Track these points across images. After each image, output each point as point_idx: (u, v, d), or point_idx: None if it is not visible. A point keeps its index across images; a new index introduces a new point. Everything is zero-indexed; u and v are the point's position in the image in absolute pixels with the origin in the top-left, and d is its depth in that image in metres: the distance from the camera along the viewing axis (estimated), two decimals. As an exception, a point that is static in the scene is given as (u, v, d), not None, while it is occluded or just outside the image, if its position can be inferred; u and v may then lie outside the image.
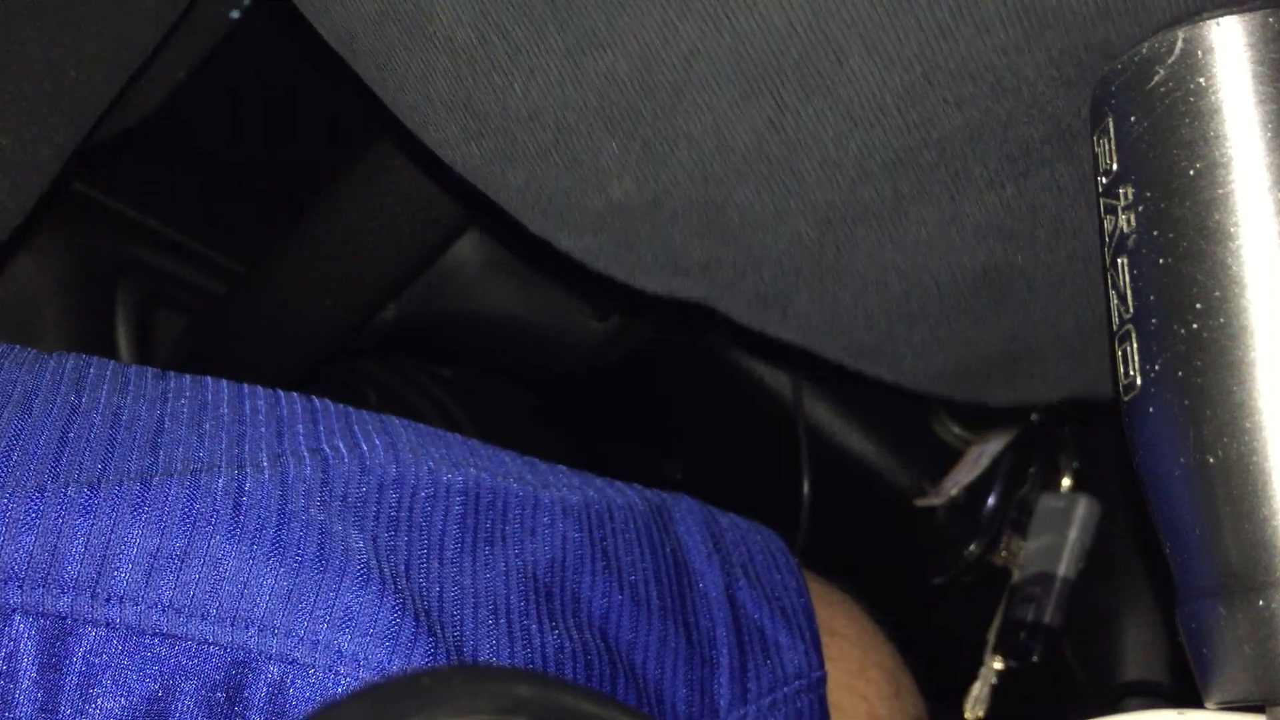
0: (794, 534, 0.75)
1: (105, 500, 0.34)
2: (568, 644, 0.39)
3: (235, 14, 0.64)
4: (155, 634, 0.34)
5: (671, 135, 0.40)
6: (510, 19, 0.37)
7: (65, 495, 0.34)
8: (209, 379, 0.41)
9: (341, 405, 0.42)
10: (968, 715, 0.69)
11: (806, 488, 0.75)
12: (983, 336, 0.46)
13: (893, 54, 0.37)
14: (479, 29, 0.38)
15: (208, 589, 0.34)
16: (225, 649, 0.34)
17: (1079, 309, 0.45)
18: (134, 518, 0.35)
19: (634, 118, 0.40)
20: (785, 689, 0.44)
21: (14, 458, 0.35)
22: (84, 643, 0.33)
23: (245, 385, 0.42)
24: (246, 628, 0.35)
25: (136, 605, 0.34)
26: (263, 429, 0.39)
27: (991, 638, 0.69)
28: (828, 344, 0.47)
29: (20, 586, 0.33)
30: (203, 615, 0.34)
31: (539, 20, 0.37)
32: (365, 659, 0.35)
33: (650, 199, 0.42)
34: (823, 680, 0.45)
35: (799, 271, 0.43)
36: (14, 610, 0.33)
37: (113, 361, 0.40)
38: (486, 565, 0.39)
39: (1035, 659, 0.67)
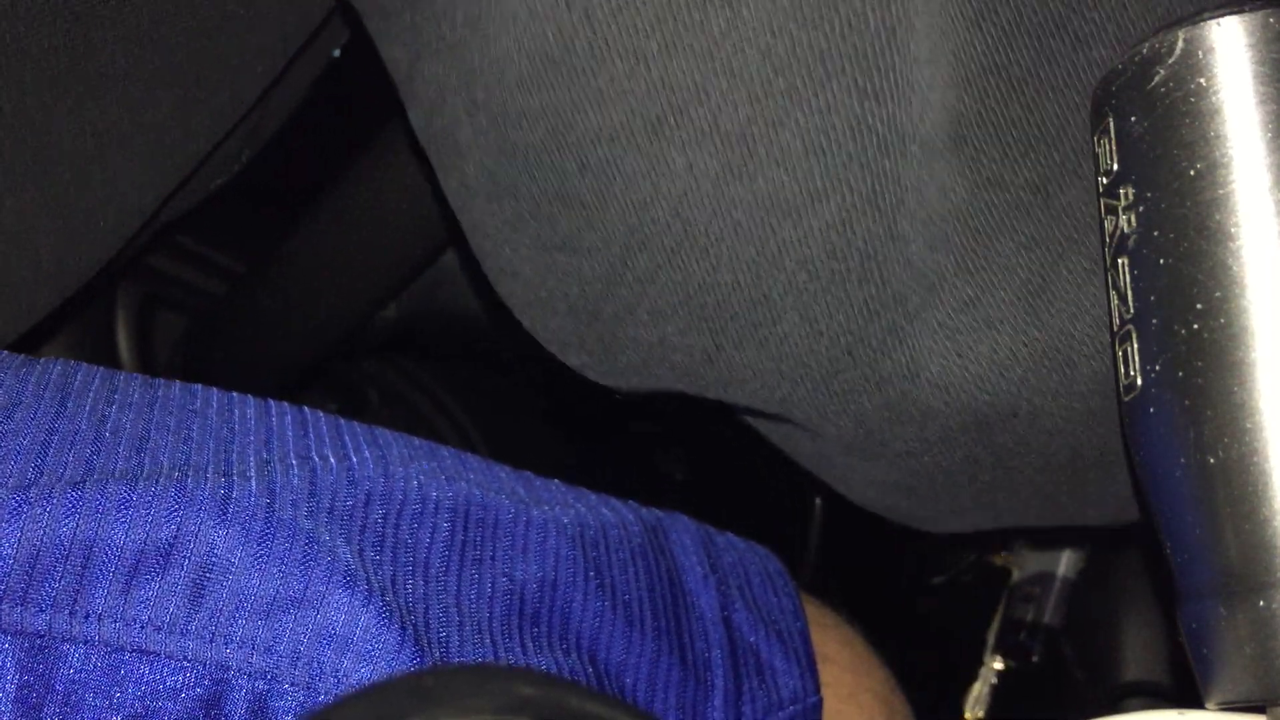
0: (800, 537, 0.75)
1: (89, 503, 0.34)
2: (553, 668, 0.39)
3: (336, 52, 0.61)
4: (135, 650, 0.33)
5: (621, 340, 0.41)
6: None
7: (49, 498, 0.34)
8: (199, 387, 0.41)
9: (332, 416, 0.42)
10: (967, 715, 0.69)
11: (818, 498, 0.75)
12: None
13: (821, 325, 0.38)
14: None
15: (187, 604, 0.34)
16: (205, 665, 0.34)
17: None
18: (117, 520, 0.34)
19: (593, 315, 0.41)
20: (780, 714, 0.43)
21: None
22: (64, 662, 0.33)
23: (235, 394, 0.41)
24: (226, 644, 0.34)
25: (115, 622, 0.33)
26: (251, 437, 0.38)
27: (991, 638, 0.69)
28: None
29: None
30: (182, 632, 0.34)
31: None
32: (347, 674, 0.35)
33: (602, 374, 0.44)
34: (818, 706, 0.45)
35: None
36: None
37: (101, 368, 0.40)
38: (472, 585, 0.39)
39: (1035, 659, 0.67)
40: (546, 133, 0.37)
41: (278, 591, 0.35)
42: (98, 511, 0.34)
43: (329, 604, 0.35)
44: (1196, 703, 0.32)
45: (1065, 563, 0.68)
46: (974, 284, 0.38)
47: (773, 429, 0.45)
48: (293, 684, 0.34)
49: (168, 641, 0.34)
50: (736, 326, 0.39)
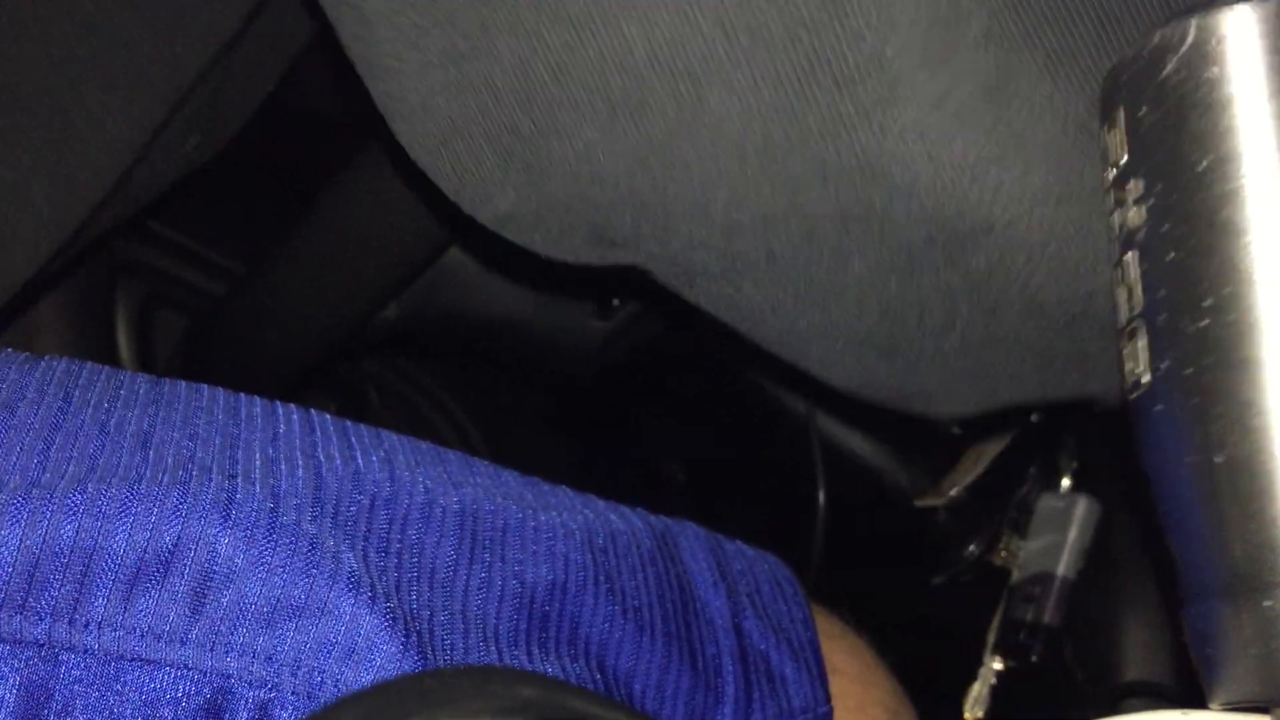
0: (804, 538, 0.75)
1: (90, 505, 0.34)
2: (561, 675, 0.38)
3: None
4: (135, 659, 0.33)
5: (545, 165, 0.39)
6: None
7: (50, 499, 0.34)
8: (205, 386, 0.41)
9: (339, 419, 0.42)
10: (967, 715, 0.68)
11: (822, 498, 0.75)
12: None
13: (750, 99, 0.36)
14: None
15: (188, 612, 0.34)
16: (206, 674, 0.34)
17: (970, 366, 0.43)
18: (118, 528, 0.34)
19: (513, 132, 0.39)
20: None
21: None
22: (63, 670, 0.33)
23: (242, 394, 0.41)
24: (228, 652, 0.34)
25: (115, 630, 0.33)
26: (257, 438, 0.38)
27: (991, 638, 0.69)
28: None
29: None
30: (183, 640, 0.34)
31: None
32: (350, 682, 0.35)
33: (533, 215, 0.42)
34: (829, 716, 0.44)
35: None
36: None
37: (106, 367, 0.40)
38: (479, 590, 0.38)
39: (1035, 659, 0.67)
40: None
41: (280, 598, 0.35)
42: (99, 515, 0.34)
43: (332, 610, 0.35)
44: (1197, 703, 0.32)
45: (1065, 563, 0.68)
46: (940, 80, 0.36)
47: (734, 306, 0.42)
48: (294, 692, 0.34)
49: (168, 650, 0.33)
50: (660, 109, 0.37)
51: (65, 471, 0.35)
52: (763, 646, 0.44)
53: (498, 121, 0.39)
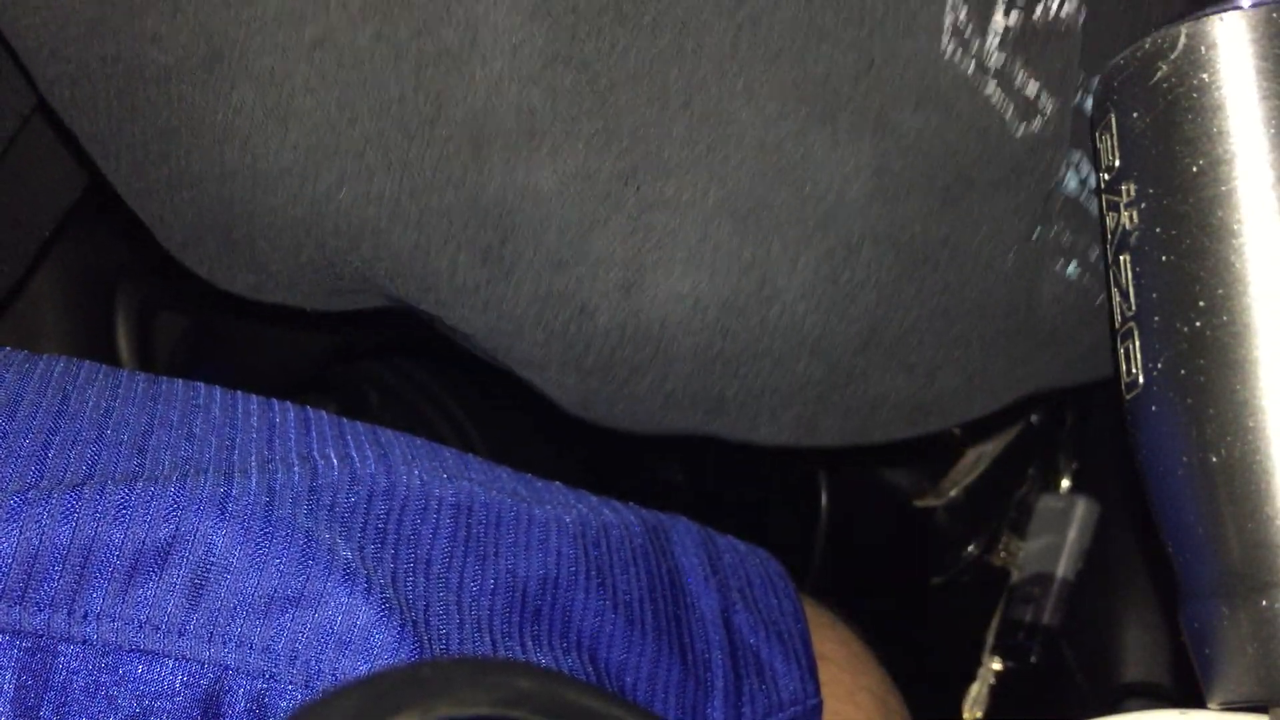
0: (805, 539, 0.75)
1: (88, 505, 0.34)
2: (554, 667, 0.38)
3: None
4: (133, 650, 0.33)
5: (257, 240, 0.40)
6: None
7: (48, 500, 0.34)
8: (201, 384, 0.41)
9: (334, 415, 0.42)
10: (966, 715, 0.69)
11: (824, 499, 0.75)
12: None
13: (364, 116, 0.35)
14: None
15: (185, 603, 0.34)
16: (203, 665, 0.34)
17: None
18: (116, 523, 0.34)
19: (231, 239, 0.40)
20: (780, 715, 0.43)
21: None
22: (61, 661, 0.33)
23: (238, 392, 0.41)
24: (224, 643, 0.34)
25: (113, 621, 0.33)
26: (253, 435, 0.38)
27: (990, 638, 0.69)
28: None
29: None
30: (180, 631, 0.34)
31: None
32: (346, 672, 0.35)
33: (279, 283, 0.43)
34: (818, 708, 0.45)
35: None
36: None
37: (104, 365, 0.40)
38: (474, 582, 0.39)
39: (1034, 660, 0.67)
40: (123, 74, 0.35)
41: (276, 590, 0.35)
42: (96, 513, 0.34)
43: (327, 602, 0.35)
44: (1196, 703, 0.32)
45: (1065, 563, 0.68)
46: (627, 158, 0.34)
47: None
48: (291, 682, 0.34)
49: (165, 641, 0.34)
50: (313, 148, 0.36)
51: (63, 475, 0.35)
52: (753, 640, 0.44)
53: (217, 232, 0.40)
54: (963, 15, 0.33)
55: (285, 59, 0.33)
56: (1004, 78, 0.34)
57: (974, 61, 0.34)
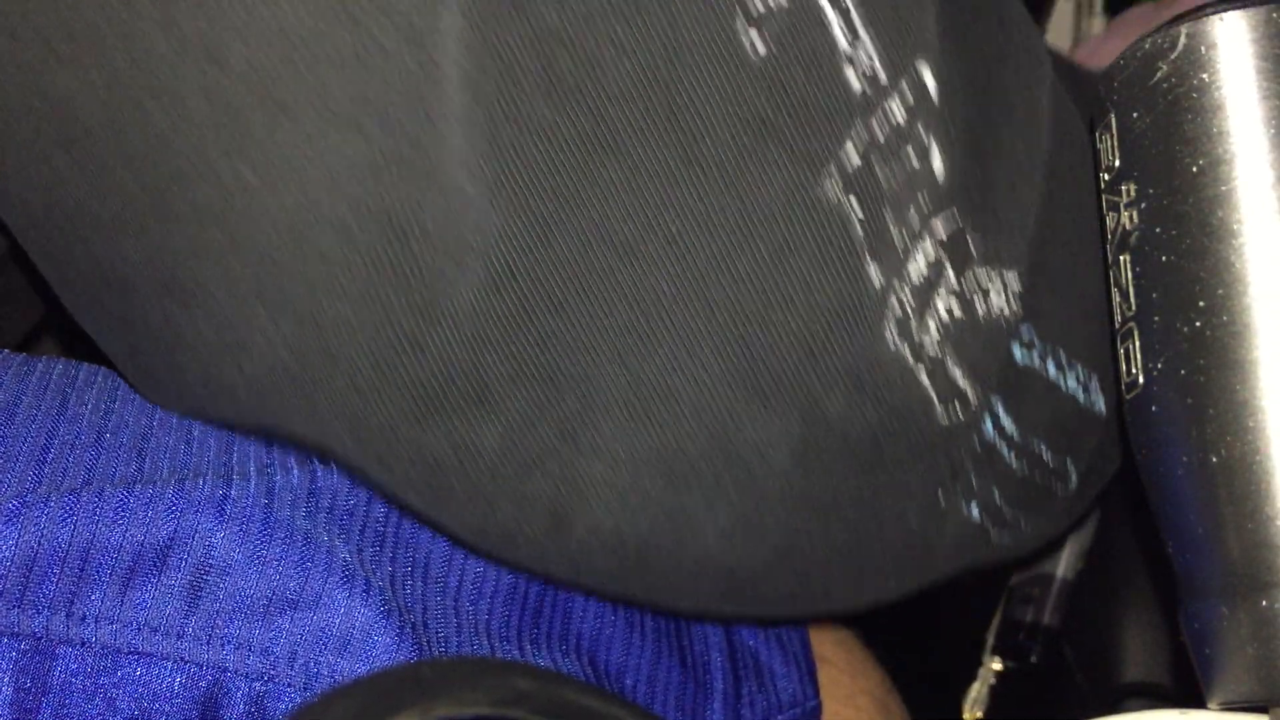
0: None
1: (86, 508, 0.34)
2: (553, 669, 0.39)
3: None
4: (132, 652, 0.33)
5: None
6: None
7: (47, 504, 0.34)
8: None
9: None
10: (967, 716, 0.68)
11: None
12: None
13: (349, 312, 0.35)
14: None
15: (184, 605, 0.34)
16: (202, 667, 0.34)
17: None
18: (114, 526, 0.34)
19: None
20: (779, 718, 0.43)
21: None
22: (60, 663, 0.33)
23: None
24: (223, 645, 0.34)
25: (112, 624, 0.33)
26: (252, 437, 0.38)
27: (990, 638, 0.69)
28: None
29: None
30: (179, 634, 0.34)
31: None
32: (345, 674, 0.35)
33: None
34: (817, 710, 0.45)
35: None
36: None
37: (103, 368, 0.40)
38: (472, 585, 0.39)
39: (1034, 660, 0.66)
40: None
41: (275, 591, 0.35)
42: (95, 516, 0.34)
43: (326, 603, 0.35)
44: (1197, 703, 0.32)
45: (1065, 563, 0.68)
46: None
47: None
48: (290, 684, 0.34)
49: (164, 643, 0.34)
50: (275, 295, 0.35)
51: (62, 478, 0.35)
52: (752, 643, 0.44)
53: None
54: (908, 306, 0.36)
55: (243, 305, 0.34)
56: (937, 366, 0.36)
57: (910, 351, 0.36)
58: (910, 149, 0.35)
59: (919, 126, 0.35)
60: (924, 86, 0.35)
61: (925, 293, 0.36)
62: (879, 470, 0.37)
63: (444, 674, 0.18)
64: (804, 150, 0.34)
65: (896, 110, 0.35)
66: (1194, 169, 0.31)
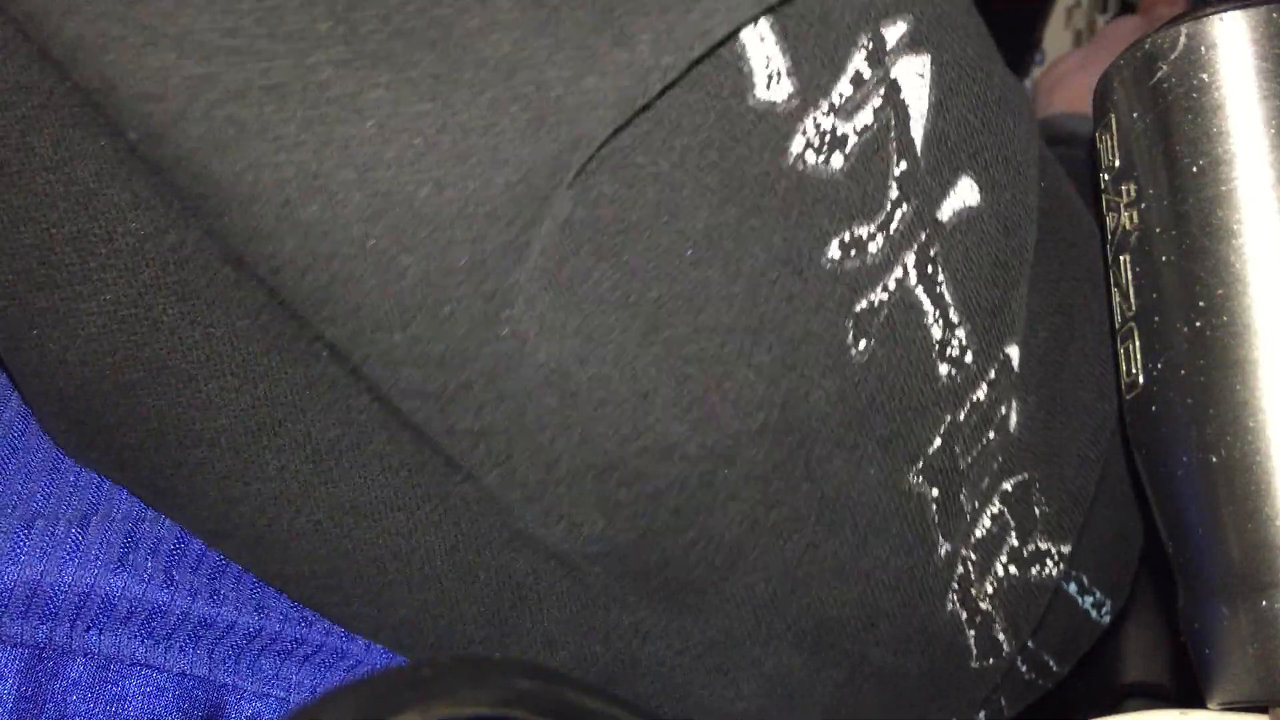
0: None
1: (93, 542, 0.34)
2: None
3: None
4: (134, 664, 0.33)
5: None
6: None
7: (53, 533, 0.34)
8: None
9: None
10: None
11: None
12: None
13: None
14: None
15: (190, 625, 0.34)
16: (202, 681, 0.34)
17: None
18: (120, 567, 0.34)
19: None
20: None
21: (3, 486, 0.35)
22: (64, 673, 0.33)
23: None
24: (223, 661, 0.34)
25: (116, 635, 0.33)
26: None
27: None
28: None
29: (0, 618, 0.33)
30: (180, 648, 0.34)
31: None
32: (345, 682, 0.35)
33: None
34: None
35: None
36: None
37: None
38: None
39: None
40: (145, 434, 0.33)
41: (264, 620, 0.35)
42: (101, 555, 0.34)
43: (315, 626, 0.35)
44: (1196, 703, 0.32)
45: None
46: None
47: None
48: (288, 702, 0.34)
49: (166, 656, 0.34)
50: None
51: (71, 505, 0.35)
52: None
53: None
54: (970, 566, 0.36)
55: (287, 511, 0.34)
56: (985, 624, 0.37)
57: (967, 612, 0.36)
58: (991, 431, 0.35)
59: (1000, 403, 0.35)
60: (1009, 363, 0.35)
61: (988, 554, 0.36)
62: (907, 704, 0.38)
63: (444, 674, 0.18)
64: (893, 444, 0.33)
65: (981, 394, 0.34)
66: (1194, 169, 0.31)
